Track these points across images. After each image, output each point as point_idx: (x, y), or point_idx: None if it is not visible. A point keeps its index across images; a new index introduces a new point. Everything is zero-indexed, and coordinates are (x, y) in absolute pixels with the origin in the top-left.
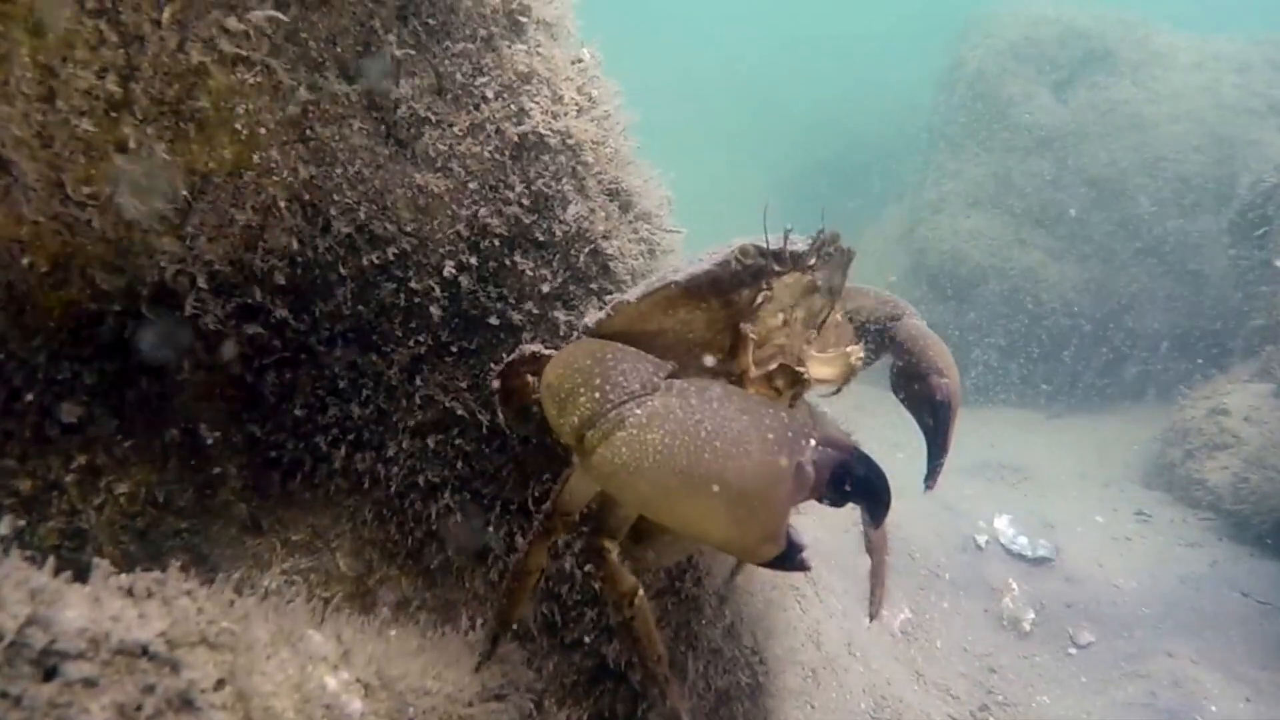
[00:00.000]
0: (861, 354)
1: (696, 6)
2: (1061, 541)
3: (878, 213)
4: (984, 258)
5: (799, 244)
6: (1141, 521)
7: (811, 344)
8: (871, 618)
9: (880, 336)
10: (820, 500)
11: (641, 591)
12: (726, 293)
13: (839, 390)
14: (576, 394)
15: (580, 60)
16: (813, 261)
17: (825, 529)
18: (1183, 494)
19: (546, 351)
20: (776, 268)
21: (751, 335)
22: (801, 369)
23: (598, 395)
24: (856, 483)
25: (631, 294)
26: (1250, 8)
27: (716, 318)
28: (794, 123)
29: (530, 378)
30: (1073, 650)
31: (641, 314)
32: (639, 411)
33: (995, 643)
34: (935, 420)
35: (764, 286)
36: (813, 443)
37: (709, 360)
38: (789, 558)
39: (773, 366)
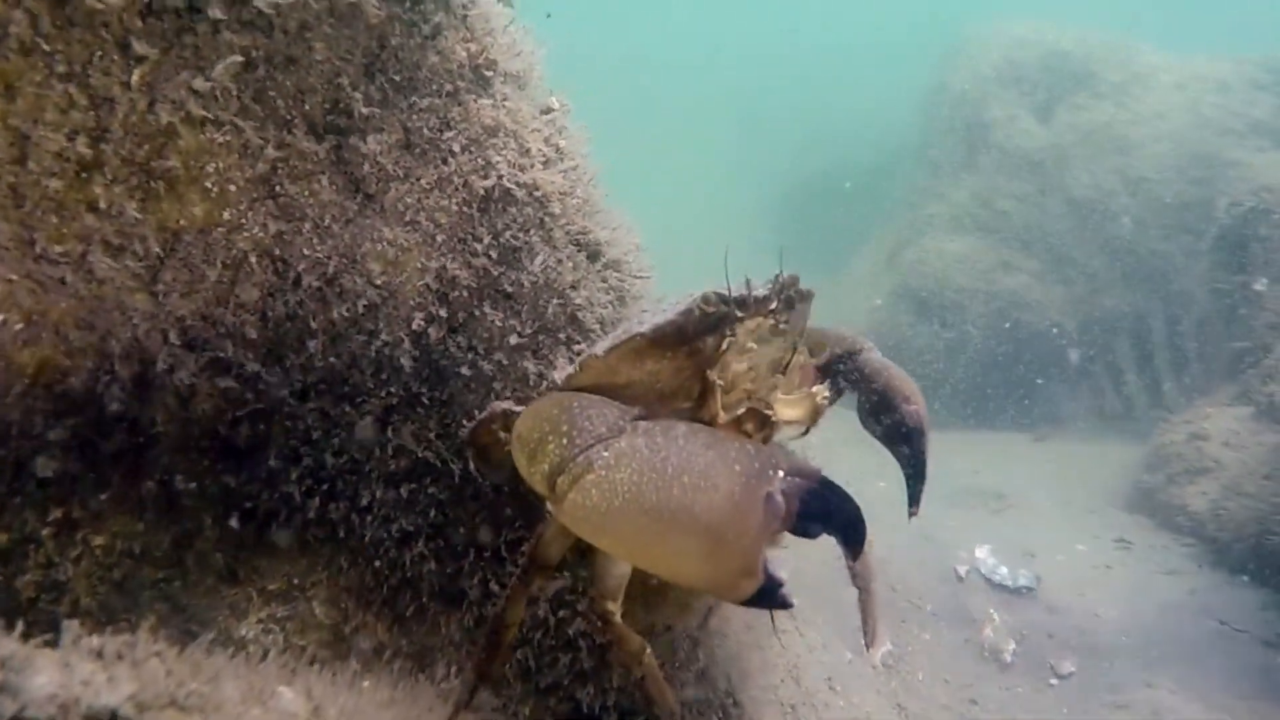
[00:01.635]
0: (827, 394)
1: (684, 23)
2: (1043, 570)
3: (863, 235)
4: (968, 280)
5: (760, 289)
6: (1122, 549)
7: (777, 387)
8: (867, 647)
9: (842, 372)
10: (794, 532)
11: (649, 649)
12: (691, 341)
13: (807, 431)
14: (545, 442)
15: (549, 110)
16: (774, 305)
17: (805, 560)
18: (1164, 520)
19: (516, 409)
20: (739, 314)
21: (718, 382)
22: (769, 411)
23: (565, 441)
24: (828, 512)
25: (598, 347)
26: (1229, 27)
27: (683, 366)
28: (780, 142)
29: (501, 433)
30: (1054, 681)
31: (609, 367)
32: (606, 454)
33: (976, 674)
34: (910, 447)
35: (728, 333)
36: (781, 473)
37: (677, 409)
38: (769, 594)
39: (741, 411)
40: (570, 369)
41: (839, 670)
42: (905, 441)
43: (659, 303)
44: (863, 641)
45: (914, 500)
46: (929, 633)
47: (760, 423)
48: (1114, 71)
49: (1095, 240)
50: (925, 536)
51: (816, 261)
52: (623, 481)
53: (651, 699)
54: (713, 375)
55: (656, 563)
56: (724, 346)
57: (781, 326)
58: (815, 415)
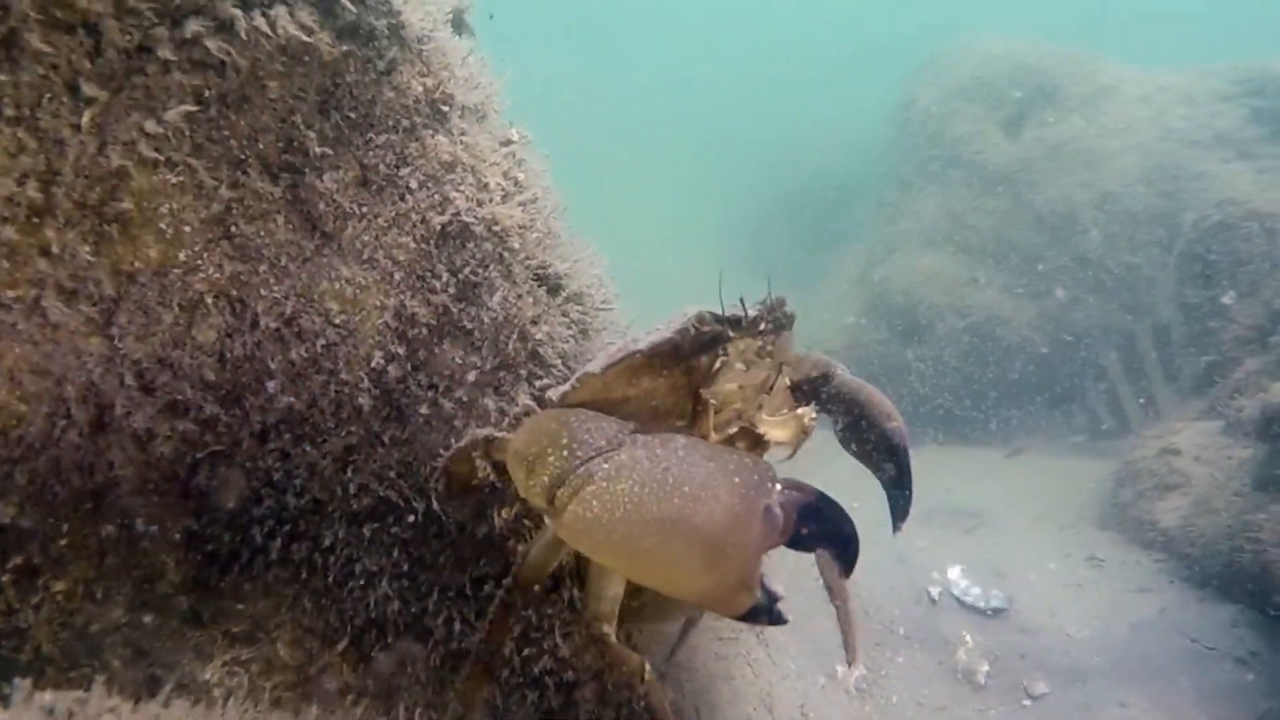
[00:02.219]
0: (814, 415)
1: (651, 38)
2: (1015, 591)
3: (835, 253)
4: (940, 297)
5: (750, 309)
6: (1094, 567)
7: (764, 408)
8: (849, 663)
9: (820, 395)
10: (790, 544)
11: (649, 666)
12: (687, 359)
13: (794, 454)
14: (545, 455)
15: (509, 141)
16: (764, 326)
17: (778, 584)
18: (1135, 535)
19: (500, 435)
20: (732, 333)
21: (711, 401)
22: (760, 431)
23: (565, 454)
24: (824, 525)
25: (595, 365)
26: (1192, 40)
27: (677, 384)
28: (748, 159)
29: (480, 461)
30: (1027, 702)
31: (606, 384)
32: (606, 465)
33: (951, 696)
34: (896, 464)
35: (721, 352)
36: (779, 485)
37: (671, 426)
38: (766, 609)
39: (733, 430)
40: (566, 386)
41: (812, 696)
42: (889, 459)
43: (625, 333)
44: (837, 665)
45: (900, 516)
46: (903, 656)
47: (751, 442)
48: (1080, 85)
49: (1065, 254)
50: (898, 558)
51: (788, 278)
52: (623, 492)
53: (655, 715)
54: (706, 394)
55: (656, 575)
56: (717, 365)
57: (769, 348)
58: (803, 437)
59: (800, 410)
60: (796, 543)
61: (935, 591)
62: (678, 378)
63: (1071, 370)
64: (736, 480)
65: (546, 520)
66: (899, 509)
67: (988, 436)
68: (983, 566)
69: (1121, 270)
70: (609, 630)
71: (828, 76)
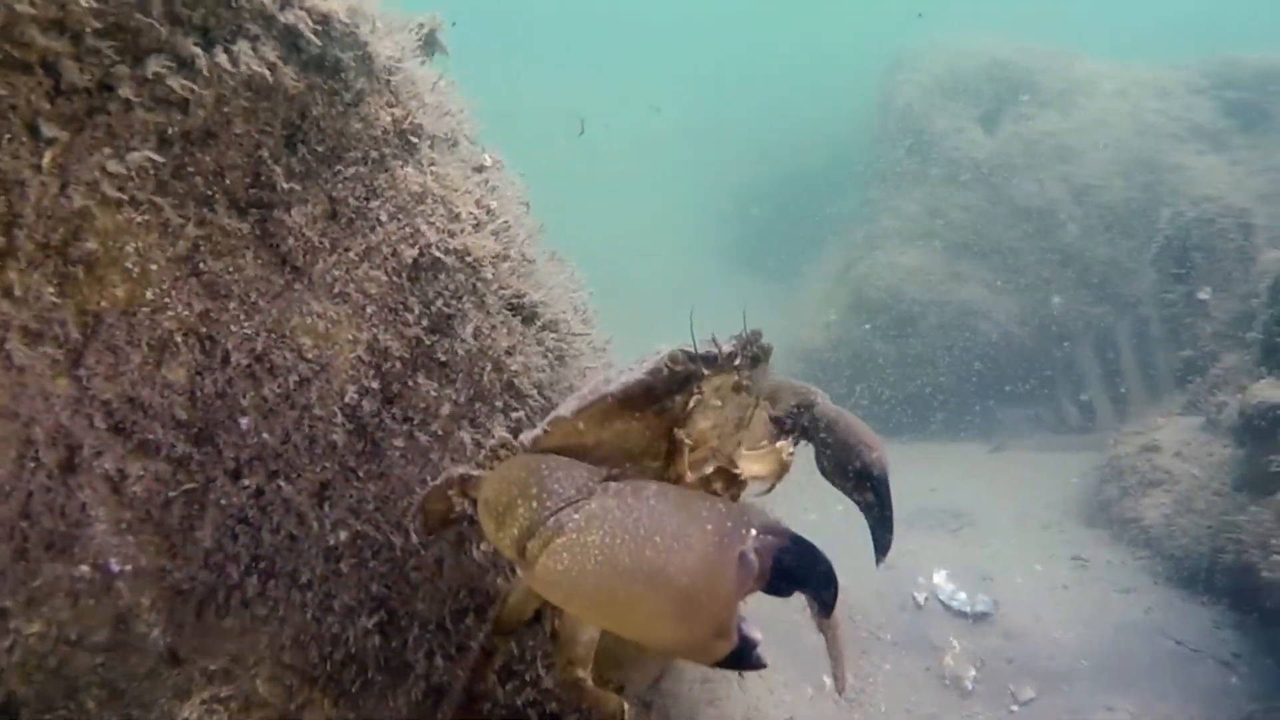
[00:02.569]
0: (792, 450)
1: (633, 34)
2: (1000, 594)
3: (816, 249)
4: (921, 293)
5: (725, 345)
6: (1079, 567)
7: (741, 443)
8: (839, 692)
9: (798, 423)
10: (767, 590)
11: (627, 706)
12: (660, 400)
13: (772, 488)
14: (514, 506)
15: (482, 167)
16: (739, 362)
17: (762, 599)
18: (1120, 532)
19: (475, 473)
20: (706, 371)
21: (686, 441)
22: (737, 469)
23: (534, 505)
24: (801, 570)
25: (566, 408)
26: (1165, 33)
27: (651, 425)
28: (729, 156)
29: (456, 499)
30: (1015, 708)
31: (578, 428)
32: (577, 516)
33: (939, 703)
34: (877, 495)
35: (695, 391)
36: (753, 531)
37: (645, 468)
38: (743, 655)
39: (709, 470)
40: (537, 431)
41: (800, 709)
42: (870, 489)
43: (604, 350)
44: (824, 675)
45: (882, 550)
46: (890, 663)
47: (728, 481)
48: (1056, 80)
49: (1044, 248)
50: (884, 563)
51: (770, 275)
52: (594, 544)
53: None
54: (680, 434)
55: (630, 626)
56: (691, 405)
57: (745, 383)
58: (781, 471)
59: (779, 445)
60: (774, 588)
61: (921, 597)
62: (651, 419)
63: (1053, 364)
64: (710, 527)
65: (518, 570)
66: (880, 540)
67: (971, 432)
68: (968, 570)
69: (1100, 263)
70: (583, 674)
71: (807, 72)
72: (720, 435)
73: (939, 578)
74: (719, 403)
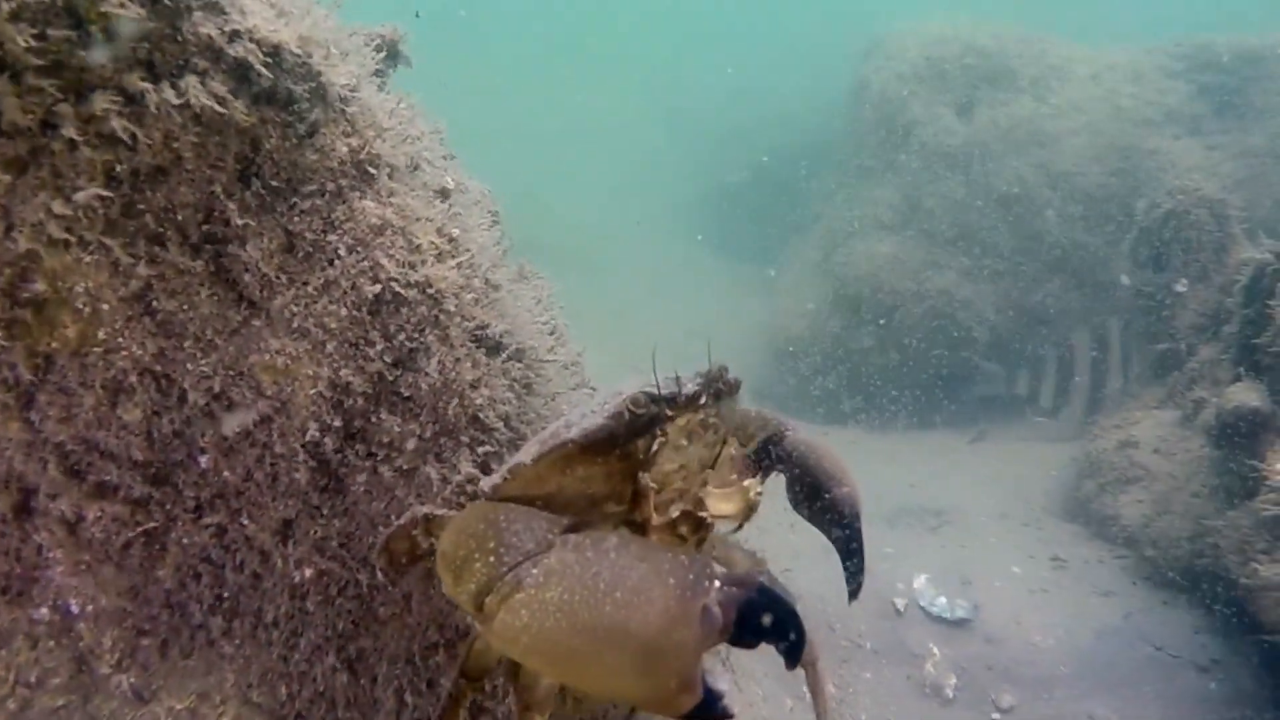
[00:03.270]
0: (760, 488)
1: (608, 18)
2: (980, 598)
3: (796, 236)
4: (899, 282)
5: (689, 384)
6: (1058, 568)
7: (709, 482)
8: None
9: (768, 455)
10: (732, 643)
11: None
12: (622, 444)
13: (740, 527)
14: (471, 561)
15: (445, 191)
16: (704, 401)
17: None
18: (1099, 529)
19: (439, 512)
20: (669, 413)
21: (651, 485)
22: (703, 513)
23: (492, 559)
24: (767, 622)
25: (526, 455)
26: (1137, 17)
27: (614, 470)
28: (706, 138)
29: (420, 539)
30: (995, 715)
31: (539, 475)
32: (535, 571)
33: (919, 712)
34: (846, 533)
35: (659, 433)
36: (717, 583)
37: (610, 513)
38: (709, 707)
39: (675, 514)
40: (496, 478)
41: None
42: (839, 526)
43: (576, 363)
44: (804, 686)
45: (854, 589)
46: (870, 671)
47: (695, 524)
48: (1030, 65)
49: (1021, 235)
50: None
51: (750, 258)
52: (553, 600)
53: None
54: (645, 479)
55: (591, 682)
56: (655, 448)
57: (711, 421)
58: (749, 511)
59: (746, 483)
60: (738, 641)
61: (901, 603)
62: (614, 463)
63: (1032, 352)
64: (672, 581)
65: (477, 625)
66: (851, 579)
67: (950, 421)
68: (948, 573)
69: (1077, 249)
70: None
71: (782, 60)
72: (686, 476)
73: (919, 583)
74: (684, 442)
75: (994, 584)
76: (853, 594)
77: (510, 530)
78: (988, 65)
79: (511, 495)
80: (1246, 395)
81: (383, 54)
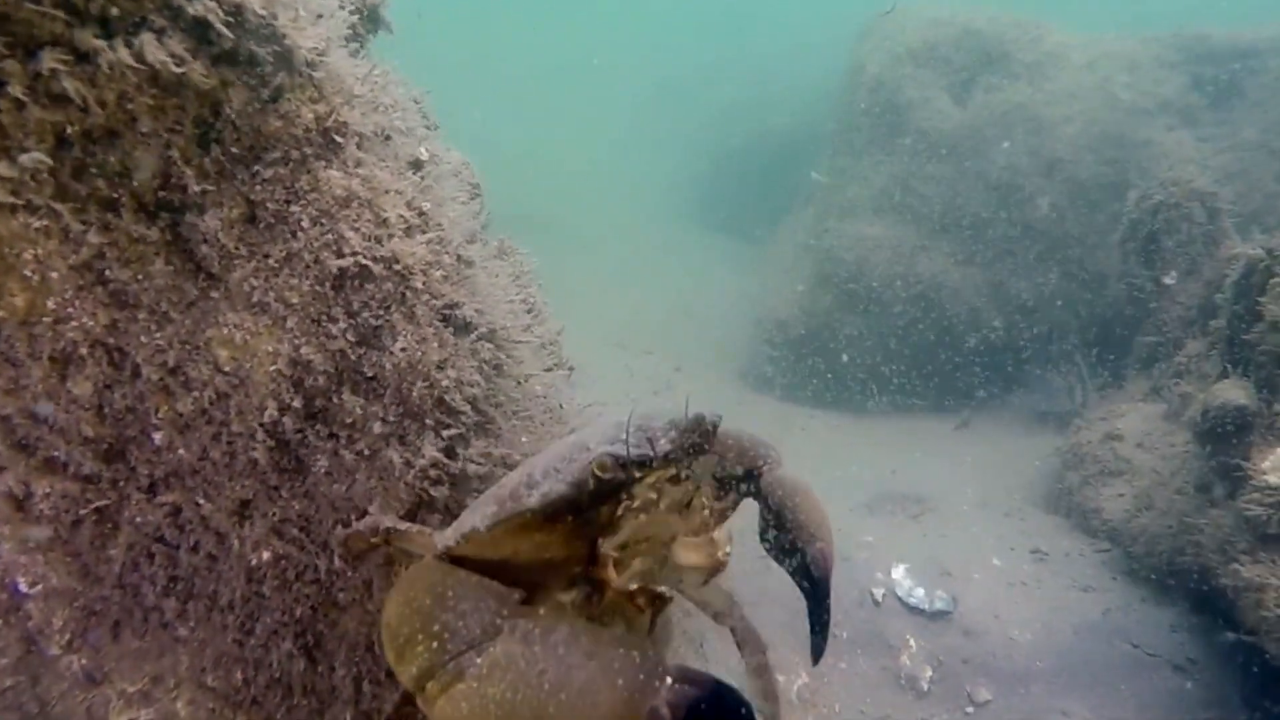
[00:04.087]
0: (729, 549)
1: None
2: (959, 590)
3: (786, 215)
4: (888, 265)
5: (661, 441)
6: (1038, 561)
7: (677, 534)
8: None
9: (745, 486)
10: None
11: None
12: (584, 511)
13: (707, 582)
14: (414, 642)
15: (418, 162)
16: (676, 457)
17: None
18: (1080, 522)
19: (401, 527)
20: (638, 475)
21: (611, 554)
22: (663, 589)
23: (434, 645)
24: None
25: (481, 520)
26: (1133, 7)
27: (574, 535)
28: (699, 114)
29: (381, 545)
30: (970, 709)
31: (494, 540)
32: (479, 660)
33: (894, 704)
34: (813, 592)
35: (624, 497)
36: (668, 681)
37: (567, 572)
38: None
39: (633, 587)
40: (451, 539)
41: None
42: (809, 582)
43: (556, 341)
44: (778, 675)
45: (816, 652)
46: (845, 662)
47: (650, 599)
48: (1026, 51)
49: (1013, 222)
50: (843, 556)
51: (740, 237)
52: (495, 696)
53: None
54: (605, 547)
55: None
56: (619, 513)
57: (684, 475)
58: (716, 569)
59: (717, 536)
60: None
61: (879, 593)
62: (573, 528)
63: (1019, 339)
64: (620, 682)
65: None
66: (815, 641)
67: (936, 407)
68: (927, 564)
69: (1068, 237)
70: None
71: (777, 38)
72: (652, 533)
73: (897, 573)
74: (654, 498)
75: (973, 576)
76: (816, 657)
77: (456, 611)
78: (984, 50)
79: (464, 555)
80: (1233, 392)
81: (359, 16)
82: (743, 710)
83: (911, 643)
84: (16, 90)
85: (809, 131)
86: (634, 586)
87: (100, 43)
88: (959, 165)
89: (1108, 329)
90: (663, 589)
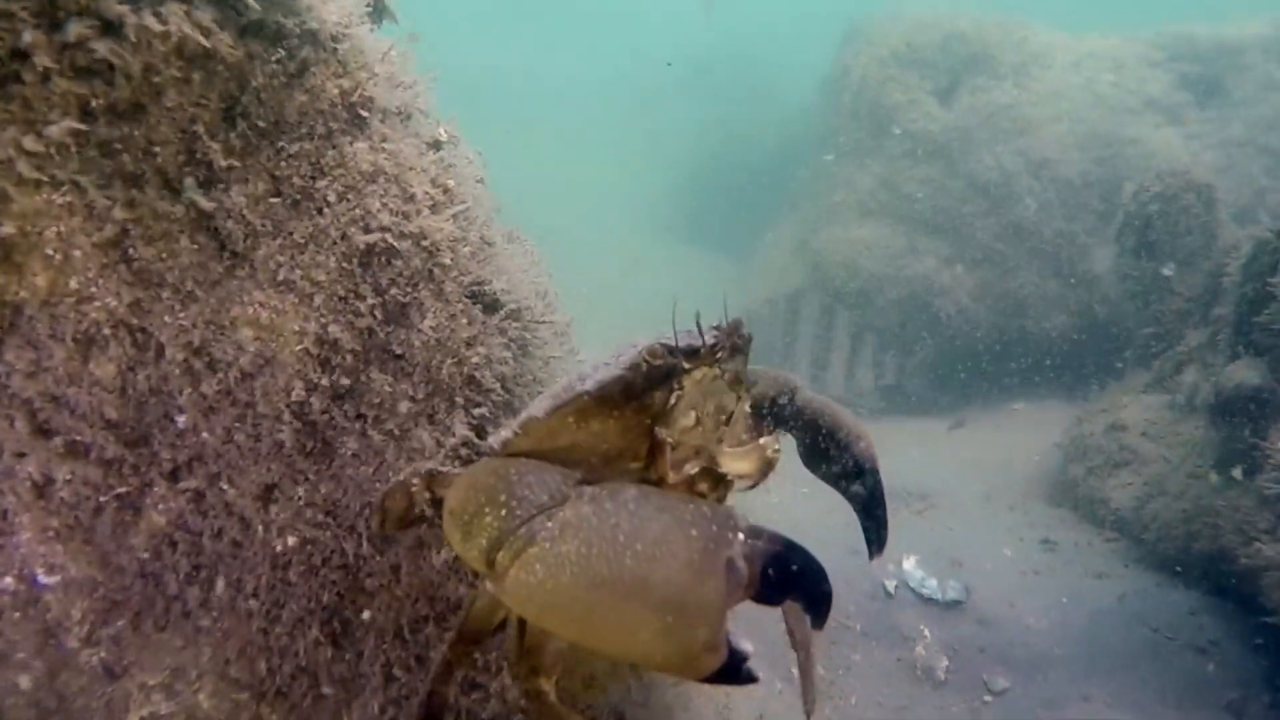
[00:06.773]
0: (778, 446)
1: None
2: (971, 580)
3: (775, 221)
4: (878, 267)
5: (706, 336)
6: (1048, 550)
7: (724, 440)
8: (808, 715)
9: (779, 413)
10: (757, 599)
11: None
12: (639, 396)
13: (756, 485)
14: (481, 514)
15: (437, 143)
16: (720, 353)
17: (745, 640)
18: (1087, 512)
19: (445, 469)
20: (686, 365)
21: (668, 440)
22: (722, 469)
23: (504, 513)
24: (794, 577)
25: (538, 408)
26: (1117, 5)
27: (630, 424)
28: (683, 128)
29: (418, 495)
30: (988, 698)
31: (552, 430)
32: (550, 524)
33: (910, 695)
34: (867, 487)
35: (675, 386)
36: (741, 536)
37: (625, 470)
38: (733, 668)
39: (693, 470)
40: (507, 433)
41: (770, 703)
42: (859, 480)
43: (566, 332)
44: (794, 668)
45: (879, 545)
46: (860, 654)
47: (714, 481)
48: (1011, 52)
49: (1001, 222)
50: (852, 550)
51: (724, 248)
52: (570, 554)
53: None
54: (662, 433)
55: (609, 641)
56: (672, 401)
57: (727, 376)
58: (766, 469)
59: (763, 440)
60: (764, 597)
61: (891, 584)
62: (630, 417)
63: (1012, 338)
64: (694, 533)
65: (486, 584)
66: (874, 536)
67: (929, 407)
68: (938, 555)
69: (1057, 237)
70: (547, 687)
71: (761, 42)
72: (703, 432)
73: (909, 564)
74: (701, 397)
75: (984, 566)
76: (876, 551)
77: (523, 483)
78: (969, 51)
79: (522, 450)
80: (1247, 374)
81: (369, 7)
82: (816, 569)
83: (926, 633)
84: (43, 60)
85: (791, 142)
86: (693, 470)
87: (125, 9)
88: (946, 167)
89: (1099, 325)
90: (723, 469)
